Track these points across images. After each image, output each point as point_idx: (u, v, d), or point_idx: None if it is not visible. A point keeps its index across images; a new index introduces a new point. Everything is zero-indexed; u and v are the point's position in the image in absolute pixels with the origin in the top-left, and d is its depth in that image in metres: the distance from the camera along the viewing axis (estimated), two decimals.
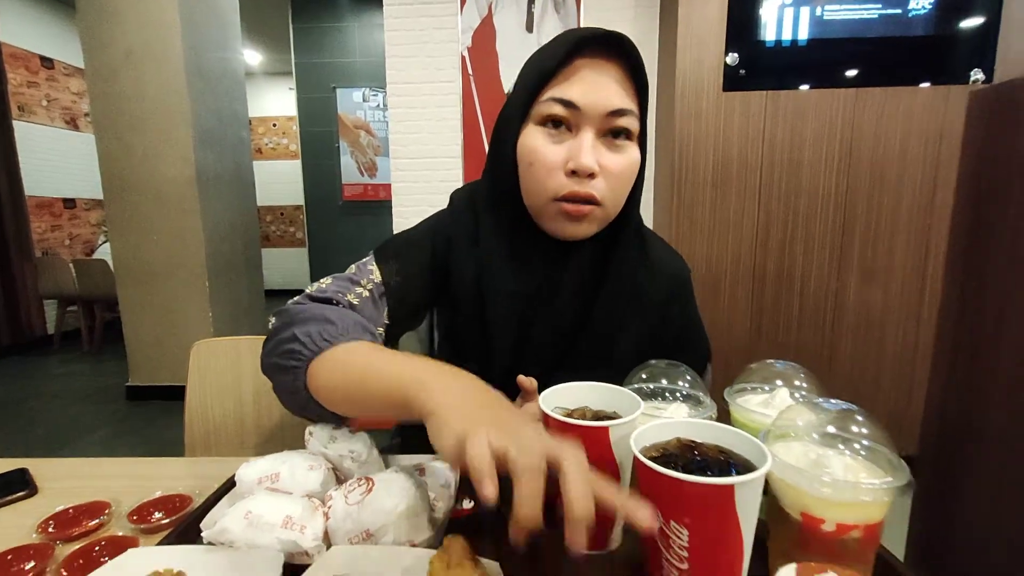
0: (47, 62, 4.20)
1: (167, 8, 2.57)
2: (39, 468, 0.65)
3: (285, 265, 6.20)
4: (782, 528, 0.41)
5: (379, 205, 4.90)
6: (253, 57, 5.66)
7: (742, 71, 1.79)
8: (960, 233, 1.01)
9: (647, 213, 2.23)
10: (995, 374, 0.90)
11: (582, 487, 0.32)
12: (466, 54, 2.30)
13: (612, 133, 0.56)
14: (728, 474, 0.36)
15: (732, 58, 1.79)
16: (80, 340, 3.99)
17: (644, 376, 0.55)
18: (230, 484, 0.53)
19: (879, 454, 0.40)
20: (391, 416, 0.47)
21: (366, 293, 0.60)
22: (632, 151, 0.58)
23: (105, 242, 3.91)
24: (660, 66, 2.14)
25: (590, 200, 0.55)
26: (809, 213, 1.78)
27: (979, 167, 0.96)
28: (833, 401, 0.44)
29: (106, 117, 2.66)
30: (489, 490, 0.32)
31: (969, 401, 0.97)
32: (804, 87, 1.76)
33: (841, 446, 0.41)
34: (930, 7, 1.74)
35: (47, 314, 4.22)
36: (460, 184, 1.46)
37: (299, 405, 0.52)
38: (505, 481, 0.33)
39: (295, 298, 0.59)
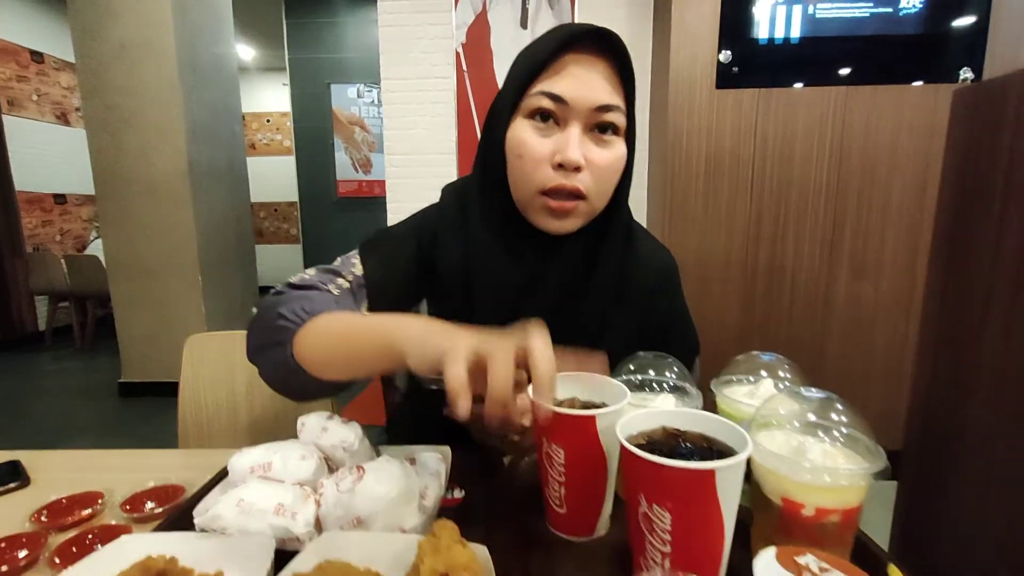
0: (37, 56, 4.16)
1: (160, 2, 2.55)
2: (32, 460, 0.65)
3: (279, 262, 6.18)
4: (764, 514, 0.43)
5: (373, 202, 4.89)
6: (247, 52, 5.63)
7: (735, 69, 1.80)
8: (944, 228, 1.02)
9: (641, 208, 2.24)
10: (979, 369, 0.92)
11: (546, 352, 0.40)
12: (460, 50, 2.30)
13: (599, 128, 0.57)
14: (711, 460, 0.37)
15: (725, 56, 1.80)
16: (72, 336, 3.96)
17: (632, 368, 0.56)
18: (223, 474, 0.54)
19: (857, 441, 0.41)
20: (376, 368, 0.50)
21: (346, 285, 0.62)
22: (619, 146, 0.58)
23: (97, 238, 3.88)
24: (654, 63, 2.15)
25: (576, 193, 0.56)
26: (800, 208, 1.80)
27: (963, 163, 0.98)
28: (814, 390, 0.45)
29: (98, 111, 2.64)
30: (463, 407, 0.37)
31: (954, 397, 0.98)
32: (796, 85, 1.78)
33: (821, 433, 0.42)
34: (921, 6, 1.75)
35: (38, 310, 4.19)
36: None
37: (287, 379, 0.55)
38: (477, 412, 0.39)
39: (276, 287, 0.61)
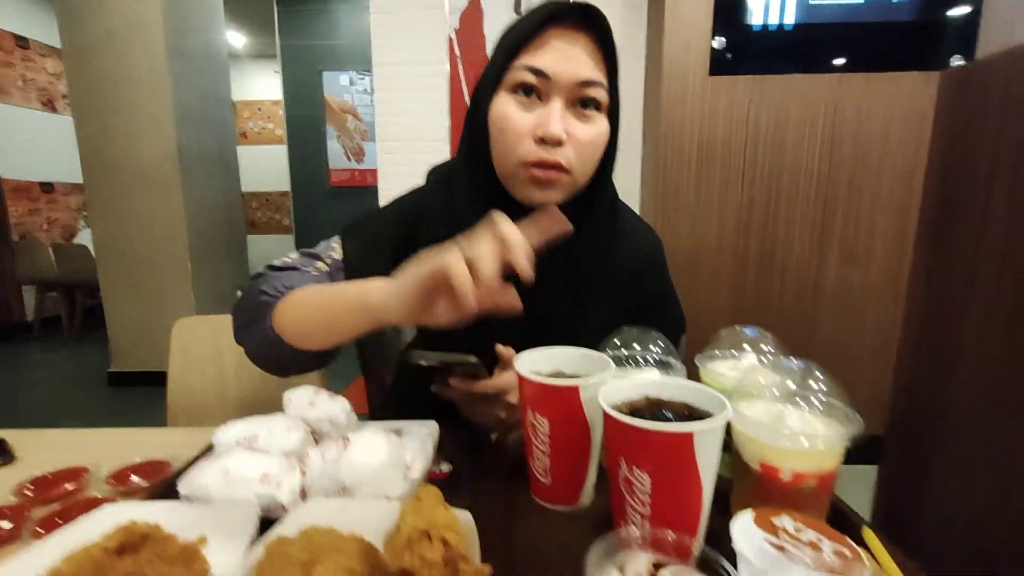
0: (22, 41, 4.08)
1: None
2: (17, 439, 0.65)
3: (272, 252, 6.09)
4: (743, 481, 0.43)
5: (366, 191, 4.85)
6: (237, 39, 5.53)
7: (729, 55, 1.79)
8: (930, 211, 1.03)
9: (634, 195, 2.23)
10: (961, 349, 0.93)
11: (514, 231, 0.42)
12: (453, 36, 2.28)
13: (581, 103, 0.57)
14: None
15: (719, 42, 1.79)
16: (60, 326, 3.93)
17: (617, 342, 0.56)
18: (209, 448, 0.54)
19: (835, 408, 0.42)
20: (354, 330, 0.52)
21: (325, 268, 0.64)
22: (601, 122, 0.58)
23: (86, 228, 3.84)
24: (648, 49, 2.14)
25: (558, 167, 0.56)
26: (791, 194, 1.80)
27: (949, 146, 0.99)
28: (794, 360, 0.46)
29: (85, 98, 2.59)
30: (463, 281, 0.40)
31: (937, 377, 1.00)
32: (790, 72, 1.78)
33: (800, 401, 0.43)
34: None
35: (26, 300, 4.14)
36: None
37: (268, 353, 0.57)
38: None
39: (258, 270, 0.64)
